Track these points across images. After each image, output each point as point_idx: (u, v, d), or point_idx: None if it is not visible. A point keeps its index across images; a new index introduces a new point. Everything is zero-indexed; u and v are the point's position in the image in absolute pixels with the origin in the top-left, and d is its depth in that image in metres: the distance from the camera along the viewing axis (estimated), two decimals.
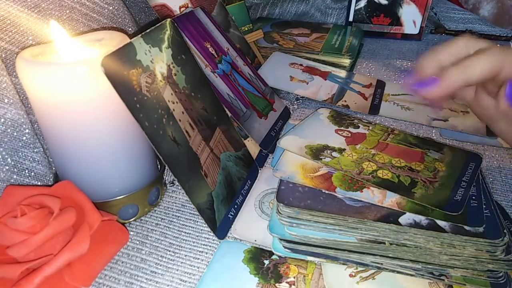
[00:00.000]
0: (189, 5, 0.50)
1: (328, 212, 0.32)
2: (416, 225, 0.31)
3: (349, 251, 0.31)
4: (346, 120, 0.45)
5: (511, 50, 0.31)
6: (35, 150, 0.35)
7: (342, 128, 0.43)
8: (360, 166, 0.37)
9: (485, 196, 0.34)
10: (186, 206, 0.38)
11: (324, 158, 0.38)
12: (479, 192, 0.35)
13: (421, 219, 0.32)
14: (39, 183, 0.36)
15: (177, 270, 0.32)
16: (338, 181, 0.36)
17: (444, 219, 0.32)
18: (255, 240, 0.34)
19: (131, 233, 0.35)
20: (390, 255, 0.31)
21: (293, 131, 0.43)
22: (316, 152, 0.39)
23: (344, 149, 0.39)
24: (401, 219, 0.32)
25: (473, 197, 0.34)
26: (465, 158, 0.39)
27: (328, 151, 0.39)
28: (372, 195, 0.34)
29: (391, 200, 0.33)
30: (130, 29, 0.49)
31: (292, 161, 0.39)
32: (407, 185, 0.35)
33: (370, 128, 0.43)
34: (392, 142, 0.41)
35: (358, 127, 0.44)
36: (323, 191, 0.35)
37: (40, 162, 0.36)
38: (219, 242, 0.34)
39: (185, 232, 0.35)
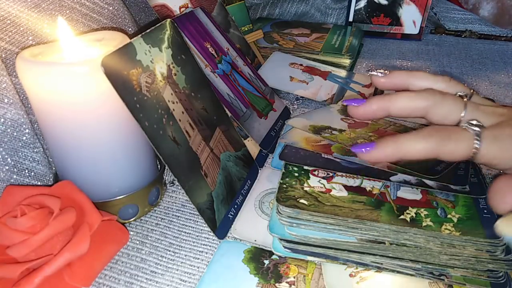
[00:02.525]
0: (189, 5, 0.50)
1: (325, 169, 0.36)
2: (405, 182, 0.34)
3: (349, 251, 0.31)
4: None
5: (451, 131, 0.32)
6: (35, 150, 0.35)
7: (348, 117, 0.45)
8: (354, 141, 0.39)
9: (475, 171, 0.37)
10: (186, 206, 0.38)
11: (324, 134, 0.41)
12: (468, 165, 0.37)
13: (411, 178, 0.35)
14: (39, 183, 0.36)
15: (177, 270, 0.32)
16: (336, 150, 0.38)
17: (431, 179, 0.34)
18: (255, 240, 0.34)
19: (131, 233, 0.35)
20: (390, 255, 0.31)
21: (302, 115, 0.46)
22: (318, 130, 0.42)
23: (344, 130, 0.42)
24: (392, 178, 0.35)
25: (461, 168, 0.36)
26: None
27: (329, 130, 0.41)
28: None
29: (382, 164, 0.36)
30: (130, 29, 0.49)
31: (297, 134, 0.42)
32: None
33: (375, 120, 0.44)
34: (391, 131, 0.42)
35: None
36: (323, 155, 0.38)
37: (40, 162, 0.36)
38: (219, 242, 0.34)
39: (185, 232, 0.35)
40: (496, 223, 0.29)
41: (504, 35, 0.75)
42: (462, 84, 0.36)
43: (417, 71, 0.38)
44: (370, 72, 0.39)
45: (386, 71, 0.38)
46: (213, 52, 0.44)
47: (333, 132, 0.41)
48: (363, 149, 0.33)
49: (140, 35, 0.32)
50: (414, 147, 0.31)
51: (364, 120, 0.40)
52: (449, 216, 0.32)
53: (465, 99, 0.34)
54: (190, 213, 0.37)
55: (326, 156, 0.38)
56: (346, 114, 0.45)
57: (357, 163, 0.36)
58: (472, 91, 0.36)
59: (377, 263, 0.31)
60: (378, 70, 0.39)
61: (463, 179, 0.35)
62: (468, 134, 0.31)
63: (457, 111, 0.33)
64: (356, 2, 0.74)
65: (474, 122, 0.32)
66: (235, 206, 0.36)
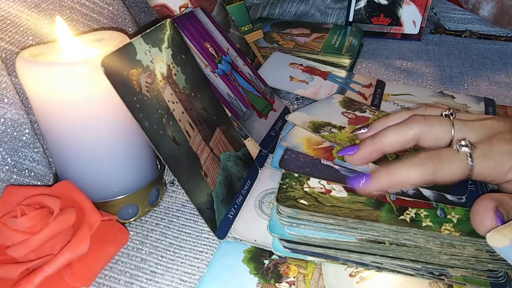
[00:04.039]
0: (189, 5, 0.50)
1: (323, 179, 0.36)
2: (402, 193, 0.34)
3: (349, 251, 0.31)
4: (356, 105, 0.47)
5: (443, 155, 0.32)
6: (35, 150, 0.35)
7: (349, 111, 0.45)
8: (353, 141, 0.39)
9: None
10: (186, 206, 0.38)
11: (323, 132, 0.41)
12: None
13: (408, 188, 0.34)
14: (39, 183, 0.36)
15: (177, 270, 0.32)
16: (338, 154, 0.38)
17: (427, 188, 0.34)
18: (255, 240, 0.34)
19: (131, 233, 0.35)
20: (390, 255, 0.31)
21: (303, 109, 0.45)
22: (318, 127, 0.42)
23: (344, 127, 0.42)
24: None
25: None
26: None
27: (329, 127, 0.42)
28: (367, 166, 0.36)
29: None
30: (130, 29, 0.49)
31: (299, 135, 0.41)
32: (390, 160, 0.37)
33: (376, 113, 0.45)
34: None
35: (365, 112, 0.45)
36: (322, 161, 0.38)
37: (40, 162, 0.36)
38: (219, 242, 0.34)
39: (185, 232, 0.35)
40: (487, 235, 0.29)
41: (504, 35, 0.75)
42: (441, 106, 0.36)
43: (394, 113, 0.38)
44: (355, 132, 0.39)
45: (368, 126, 0.38)
46: (213, 52, 0.44)
47: (333, 130, 0.41)
48: (359, 182, 0.34)
49: (140, 35, 0.32)
50: (409, 176, 0.32)
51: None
52: (448, 216, 0.32)
53: (451, 118, 0.34)
54: (190, 213, 0.37)
55: (326, 163, 0.38)
56: (347, 108, 0.46)
57: (356, 171, 0.36)
58: (453, 109, 0.35)
59: (377, 263, 0.31)
60: (359, 127, 0.39)
61: (462, 189, 0.34)
62: (460, 155, 0.31)
63: (446, 132, 0.33)
64: (356, 2, 0.74)
65: (463, 142, 0.31)
66: (235, 206, 0.36)
